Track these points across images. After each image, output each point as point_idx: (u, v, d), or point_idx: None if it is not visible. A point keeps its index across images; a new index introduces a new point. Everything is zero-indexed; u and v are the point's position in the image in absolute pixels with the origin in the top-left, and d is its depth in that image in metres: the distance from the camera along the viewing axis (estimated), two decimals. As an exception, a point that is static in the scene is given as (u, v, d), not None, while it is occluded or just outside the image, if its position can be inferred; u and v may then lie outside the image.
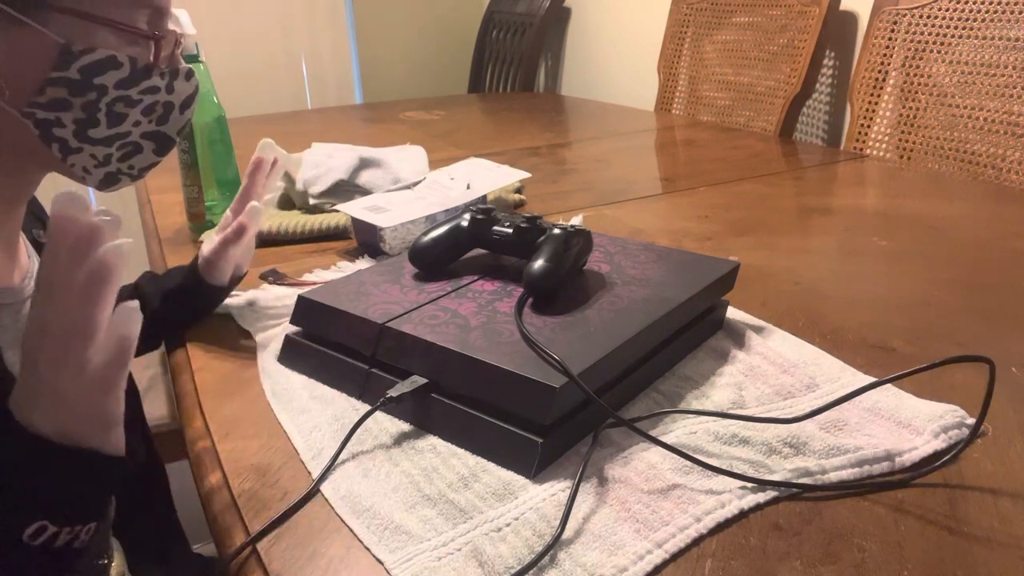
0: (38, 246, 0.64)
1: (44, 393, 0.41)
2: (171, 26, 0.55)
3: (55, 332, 0.40)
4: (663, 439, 0.52)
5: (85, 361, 0.41)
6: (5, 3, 0.45)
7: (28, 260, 0.60)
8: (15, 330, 0.54)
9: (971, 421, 0.54)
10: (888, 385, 0.56)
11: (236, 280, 0.74)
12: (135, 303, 0.42)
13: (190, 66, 0.57)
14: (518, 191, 1.11)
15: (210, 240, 0.71)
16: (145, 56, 0.52)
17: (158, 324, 0.71)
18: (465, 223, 0.68)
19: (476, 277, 0.67)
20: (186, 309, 0.73)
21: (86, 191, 0.50)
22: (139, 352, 0.74)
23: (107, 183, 0.55)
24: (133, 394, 0.74)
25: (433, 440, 0.54)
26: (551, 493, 0.48)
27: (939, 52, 1.37)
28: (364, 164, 1.05)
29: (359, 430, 0.55)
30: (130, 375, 0.73)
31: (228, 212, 0.73)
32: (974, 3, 1.32)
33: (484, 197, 0.96)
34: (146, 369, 1.37)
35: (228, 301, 0.76)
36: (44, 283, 0.40)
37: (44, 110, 0.49)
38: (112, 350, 0.42)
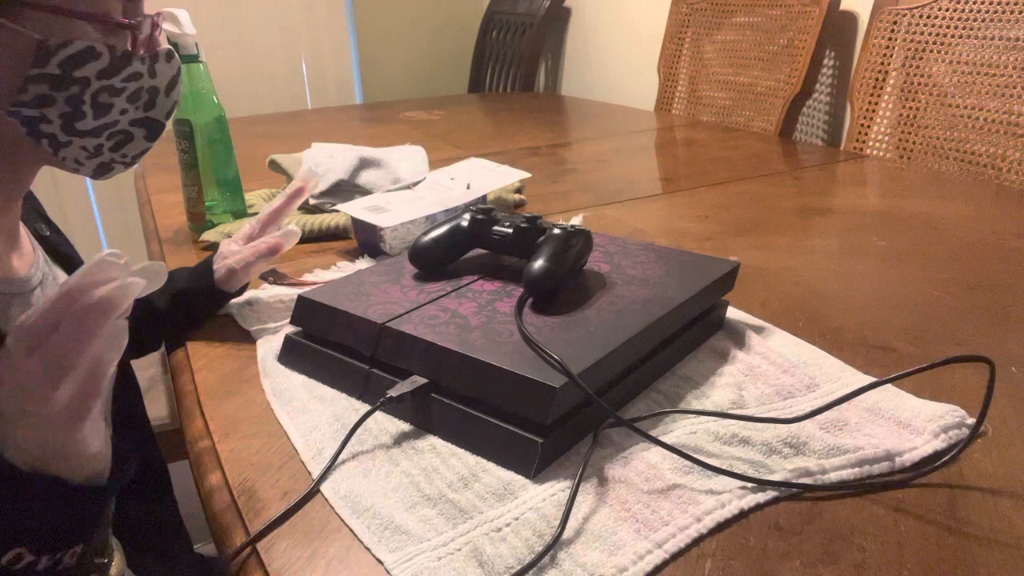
0: (41, 240, 0.64)
1: (12, 424, 0.39)
2: (162, 21, 0.55)
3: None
4: (663, 439, 0.52)
5: (49, 397, 0.38)
6: None
7: (33, 251, 0.60)
8: None
9: (971, 421, 0.54)
10: (888, 385, 0.56)
11: (244, 288, 0.74)
12: (123, 324, 0.39)
13: (169, 47, 0.56)
14: (518, 191, 1.11)
15: (233, 250, 0.71)
16: (123, 44, 0.51)
17: (163, 326, 0.71)
18: (465, 223, 0.68)
19: (476, 277, 0.67)
20: (195, 313, 0.73)
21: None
22: (141, 352, 0.74)
23: (100, 172, 0.55)
24: (135, 393, 0.74)
25: (433, 440, 0.54)
26: (551, 493, 0.48)
27: (939, 52, 1.37)
28: (364, 164, 1.05)
29: (359, 430, 0.55)
30: (132, 373, 0.74)
31: (254, 222, 0.74)
32: (974, 3, 1.32)
33: (484, 197, 0.96)
34: (146, 369, 1.37)
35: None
36: (26, 319, 0.38)
37: (28, 108, 0.48)
38: (83, 379, 0.38)
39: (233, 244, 0.73)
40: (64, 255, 0.65)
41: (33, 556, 0.40)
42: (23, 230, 0.60)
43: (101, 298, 0.37)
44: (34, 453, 0.39)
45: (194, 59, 0.91)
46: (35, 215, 0.66)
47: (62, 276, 0.53)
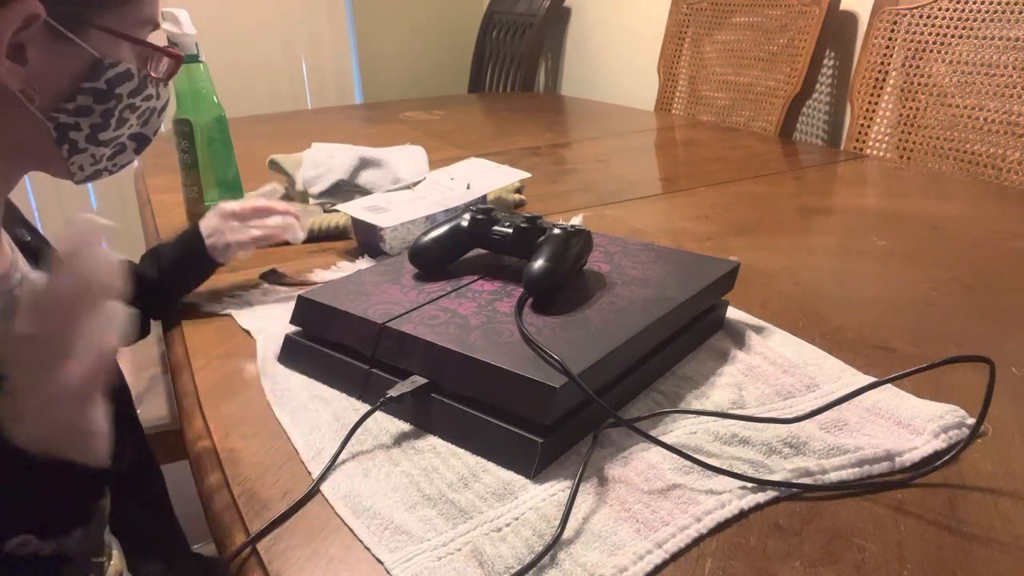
0: (23, 246, 0.64)
1: (19, 405, 0.40)
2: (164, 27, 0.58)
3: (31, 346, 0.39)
4: (663, 439, 0.52)
5: (59, 375, 0.39)
6: (55, 19, 0.49)
7: (11, 252, 0.61)
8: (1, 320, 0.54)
9: (971, 421, 0.54)
10: (888, 385, 0.56)
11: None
12: (123, 308, 0.41)
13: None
14: (518, 191, 1.11)
15: (233, 226, 0.76)
16: (144, 68, 0.57)
17: (156, 298, 0.76)
18: (465, 223, 0.68)
19: (476, 277, 0.67)
20: (188, 279, 0.77)
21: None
22: (140, 333, 0.75)
23: (90, 179, 0.59)
24: (124, 391, 0.74)
25: (433, 440, 0.54)
26: (551, 493, 0.48)
27: (939, 52, 1.37)
28: (364, 164, 1.05)
29: (359, 430, 0.55)
30: (120, 372, 0.74)
31: (246, 206, 0.77)
32: (974, 3, 1.32)
33: (484, 197, 0.96)
34: (146, 369, 1.37)
35: (228, 300, 0.76)
36: (29, 296, 0.40)
37: (68, 115, 0.53)
38: (88, 359, 0.40)
39: (220, 218, 0.76)
40: (47, 258, 0.65)
41: (40, 541, 0.41)
42: (3, 235, 0.61)
43: (86, 279, 0.40)
44: (43, 434, 0.40)
45: (194, 59, 0.91)
46: (15, 221, 0.66)
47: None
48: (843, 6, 1.60)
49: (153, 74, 0.57)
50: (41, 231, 0.69)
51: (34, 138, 0.53)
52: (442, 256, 0.68)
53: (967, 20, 1.33)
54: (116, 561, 0.61)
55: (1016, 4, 1.25)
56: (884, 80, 1.46)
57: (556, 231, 0.64)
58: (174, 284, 0.77)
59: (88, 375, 0.40)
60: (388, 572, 0.43)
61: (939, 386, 0.59)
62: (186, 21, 0.89)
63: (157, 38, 0.59)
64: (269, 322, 0.73)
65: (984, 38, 1.30)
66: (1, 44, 0.47)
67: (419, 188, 0.98)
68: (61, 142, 0.54)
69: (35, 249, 0.66)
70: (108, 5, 0.52)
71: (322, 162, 1.04)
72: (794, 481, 0.49)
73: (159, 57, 0.57)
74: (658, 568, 0.43)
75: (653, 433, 0.53)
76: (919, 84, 1.40)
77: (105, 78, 0.53)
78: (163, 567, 0.71)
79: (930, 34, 1.38)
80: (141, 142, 0.60)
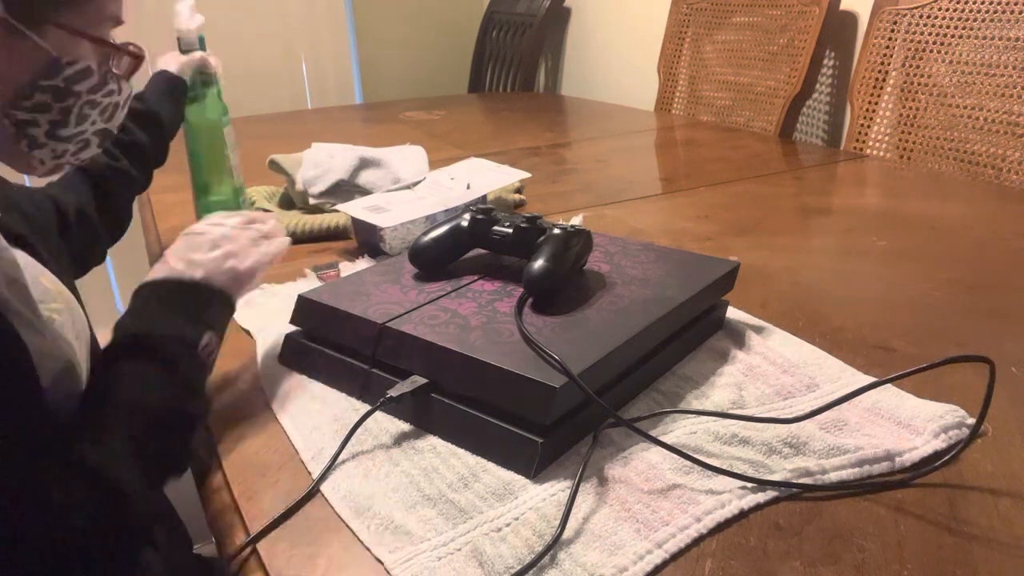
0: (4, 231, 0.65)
1: (219, 281, 0.59)
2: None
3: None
4: (663, 439, 0.52)
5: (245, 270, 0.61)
6: (13, 18, 0.49)
7: None
8: None
9: (971, 421, 0.54)
10: (888, 385, 0.56)
11: None
12: (287, 240, 0.67)
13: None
14: (518, 191, 1.11)
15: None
16: (105, 64, 0.57)
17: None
18: (465, 223, 0.68)
19: (476, 277, 0.67)
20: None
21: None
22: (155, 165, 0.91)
23: (52, 172, 0.60)
24: None
25: (433, 440, 0.54)
26: (551, 493, 0.48)
27: (939, 52, 1.37)
28: (364, 164, 1.05)
29: (359, 430, 0.55)
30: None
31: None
32: (974, 3, 1.32)
33: (484, 197, 0.96)
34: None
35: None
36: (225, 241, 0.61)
37: (26, 112, 0.53)
38: (264, 265, 0.63)
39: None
40: (16, 234, 0.65)
41: (217, 340, 0.57)
42: None
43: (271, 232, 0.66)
44: (233, 285, 0.60)
45: (209, 82, 0.92)
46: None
47: (20, 256, 0.55)
48: (843, 6, 1.60)
49: (115, 70, 0.57)
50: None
51: None
52: (442, 256, 0.68)
53: (967, 20, 1.33)
54: None
55: (1016, 4, 1.25)
56: (884, 80, 1.46)
57: (556, 231, 0.64)
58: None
59: (260, 264, 0.62)
60: (388, 572, 0.43)
61: (939, 386, 0.59)
62: (188, 14, 0.89)
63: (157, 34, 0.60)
64: (269, 322, 0.73)
65: (984, 38, 1.30)
66: None
67: (419, 188, 0.98)
68: (20, 138, 0.54)
69: (6, 226, 0.65)
70: (68, 3, 0.51)
71: (322, 162, 1.04)
72: (794, 481, 0.49)
73: (120, 54, 0.57)
74: (658, 568, 0.43)
75: (653, 433, 0.53)
76: (919, 84, 1.40)
77: (63, 76, 0.53)
78: (162, 563, 0.71)
79: (930, 34, 1.38)
80: (104, 136, 0.60)
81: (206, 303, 0.57)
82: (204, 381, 0.56)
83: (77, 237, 0.74)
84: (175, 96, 0.92)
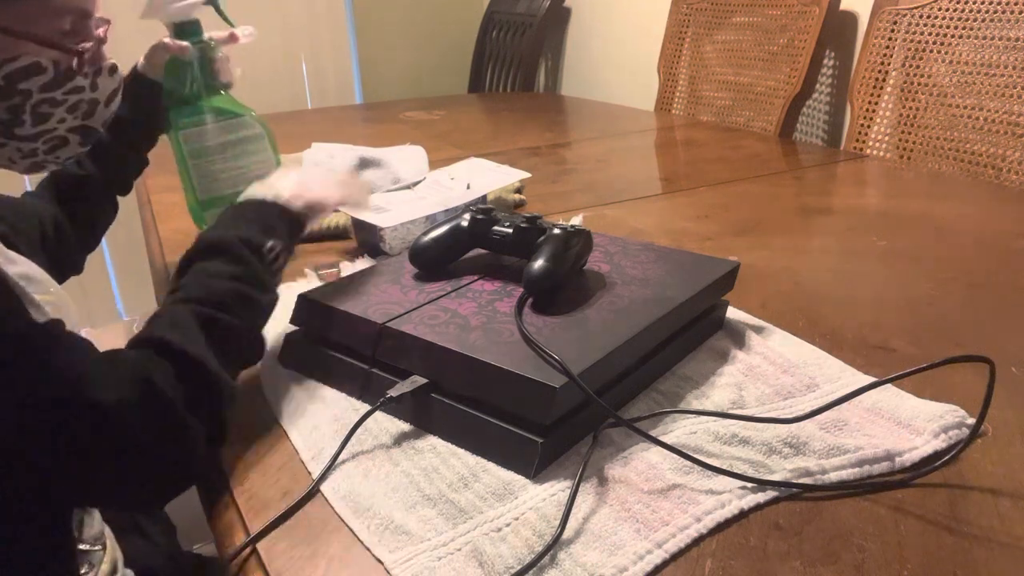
0: None
1: (287, 200, 0.65)
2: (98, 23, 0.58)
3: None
4: (663, 439, 0.52)
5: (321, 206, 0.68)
6: None
7: None
8: None
9: (971, 421, 0.54)
10: (888, 385, 0.56)
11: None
12: (367, 197, 0.82)
13: (113, 61, 0.59)
14: (518, 191, 1.11)
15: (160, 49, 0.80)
16: (67, 60, 0.55)
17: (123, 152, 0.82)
18: (465, 223, 0.68)
19: (476, 277, 0.67)
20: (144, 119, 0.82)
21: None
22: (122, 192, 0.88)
23: (32, 170, 0.59)
24: None
25: (433, 440, 0.54)
26: (551, 493, 0.48)
27: (939, 52, 1.37)
28: (364, 164, 1.05)
29: (359, 430, 0.55)
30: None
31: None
32: (974, 3, 1.32)
33: (484, 197, 0.96)
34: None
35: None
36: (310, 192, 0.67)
37: None
38: (334, 199, 0.70)
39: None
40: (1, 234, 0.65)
41: (278, 246, 0.61)
42: None
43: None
44: (302, 207, 0.65)
45: (198, 38, 0.83)
46: None
47: (11, 253, 0.55)
48: (843, 6, 1.60)
49: (84, 68, 0.55)
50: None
51: None
52: (442, 256, 0.68)
53: (967, 20, 1.33)
54: (110, 550, 0.61)
55: (1016, 4, 1.25)
56: (884, 80, 1.46)
57: (556, 231, 0.64)
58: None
59: (327, 199, 0.69)
60: (388, 572, 0.43)
61: (939, 386, 0.59)
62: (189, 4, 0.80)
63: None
64: (269, 322, 0.72)
65: (984, 38, 1.30)
66: None
67: (419, 188, 0.98)
68: None
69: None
70: (2, 3, 0.50)
71: (322, 162, 1.04)
72: (794, 481, 0.49)
73: (70, 55, 0.55)
74: (658, 568, 0.43)
75: (653, 433, 0.53)
76: (919, 84, 1.40)
77: (1, 75, 0.51)
78: (162, 560, 0.71)
79: (930, 34, 1.38)
80: (86, 135, 0.59)
81: (270, 215, 0.63)
82: (270, 279, 0.60)
83: (54, 246, 0.73)
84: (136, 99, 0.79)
